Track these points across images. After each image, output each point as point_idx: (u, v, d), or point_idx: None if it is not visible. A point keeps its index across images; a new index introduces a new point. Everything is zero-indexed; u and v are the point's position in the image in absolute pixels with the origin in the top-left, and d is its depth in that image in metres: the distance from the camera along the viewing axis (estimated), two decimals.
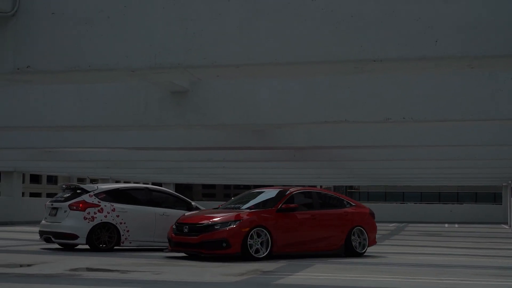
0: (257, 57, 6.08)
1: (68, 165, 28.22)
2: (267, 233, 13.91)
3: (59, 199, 16.46)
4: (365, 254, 15.49)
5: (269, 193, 15.52)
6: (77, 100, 10.96)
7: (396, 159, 19.79)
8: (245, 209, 14.63)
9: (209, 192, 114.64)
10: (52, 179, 74.93)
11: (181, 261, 13.30)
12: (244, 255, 13.61)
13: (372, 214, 16.21)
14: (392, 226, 35.36)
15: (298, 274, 11.65)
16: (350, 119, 10.25)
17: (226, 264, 12.89)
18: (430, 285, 10.35)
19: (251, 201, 15.28)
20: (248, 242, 13.60)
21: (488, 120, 10.17)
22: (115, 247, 15.89)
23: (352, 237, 15.33)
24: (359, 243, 15.43)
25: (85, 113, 11.04)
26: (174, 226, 14.50)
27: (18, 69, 6.46)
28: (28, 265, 12.21)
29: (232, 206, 15.26)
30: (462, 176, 31.62)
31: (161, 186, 44.43)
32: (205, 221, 14.01)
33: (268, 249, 13.86)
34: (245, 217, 13.98)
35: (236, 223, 13.78)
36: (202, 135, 14.94)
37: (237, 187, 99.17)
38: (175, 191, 46.54)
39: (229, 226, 13.75)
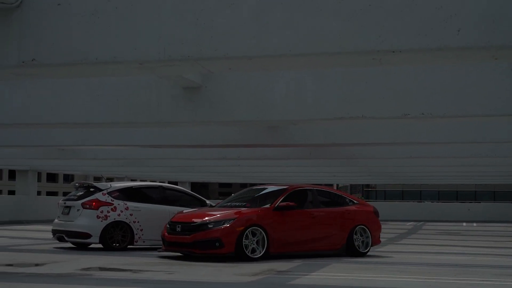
0: (270, 48, 5.84)
1: (83, 164, 28.10)
2: (263, 232, 13.47)
3: (72, 197, 16.28)
4: (373, 254, 15.14)
5: (268, 191, 15.19)
6: (88, 96, 10.78)
7: (414, 156, 19.45)
8: (242, 207, 14.22)
9: (226, 190, 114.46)
10: (68, 178, 75.10)
11: (195, 261, 13.06)
12: (238, 255, 13.18)
13: (376, 213, 15.81)
14: (409, 225, 35.00)
15: (314, 274, 11.38)
16: (367, 114, 9.98)
17: (240, 264, 12.65)
18: (449, 285, 10.05)
19: (248, 199, 14.90)
20: (244, 242, 13.18)
21: (509, 116, 9.85)
22: (128, 246, 15.69)
23: (355, 236, 14.89)
24: (362, 242, 14.99)
25: (97, 110, 10.84)
26: (167, 225, 14.20)
27: (23, 62, 6.25)
28: (40, 265, 12.01)
29: (229, 204, 14.83)
30: (481, 174, 31.21)
31: (177, 185, 44.38)
32: (198, 220, 13.63)
33: (264, 249, 13.44)
34: (239, 215, 13.54)
35: (230, 222, 13.34)
36: (216, 132, 14.71)
37: (254, 185, 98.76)
38: (191, 190, 46.73)
39: (222, 225, 13.32)
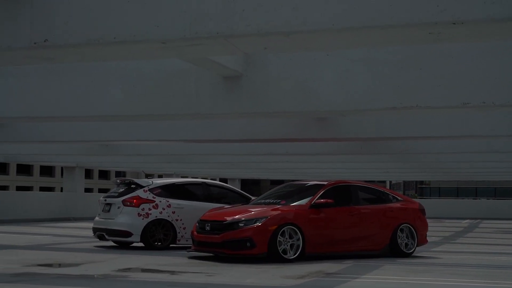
0: (311, 22, 5.05)
1: (128, 160, 27.61)
2: (298, 232, 12.64)
3: (113, 194, 15.73)
4: (422, 255, 14.26)
5: (304, 187, 14.32)
6: (123, 87, 10.09)
7: (472, 151, 18.39)
8: (276, 204, 13.32)
9: None
10: (120, 175, 75.28)
11: (237, 263, 12.32)
12: (272, 256, 12.33)
13: (422, 210, 14.82)
14: (465, 223, 33.82)
15: (365, 276, 10.58)
16: (422, 104, 9.07)
17: (285, 265, 11.90)
18: None
19: (284, 196, 14.01)
20: (277, 242, 12.33)
21: None
22: (170, 245, 15.06)
23: (399, 236, 14.00)
24: (407, 242, 14.10)
25: (133, 102, 10.15)
26: (196, 224, 13.45)
27: (34, 43, 5.58)
28: (75, 265, 11.44)
29: (263, 201, 13.96)
30: None
31: (227, 182, 43.81)
32: (228, 218, 12.83)
33: (300, 249, 12.59)
34: (273, 213, 12.69)
35: (263, 220, 12.49)
36: (260, 125, 13.90)
37: (294, 182, 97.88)
38: (241, 187, 46.11)
39: (254, 223, 12.48)
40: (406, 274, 10.80)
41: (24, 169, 71.36)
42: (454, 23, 4.78)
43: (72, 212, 30.12)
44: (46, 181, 73.02)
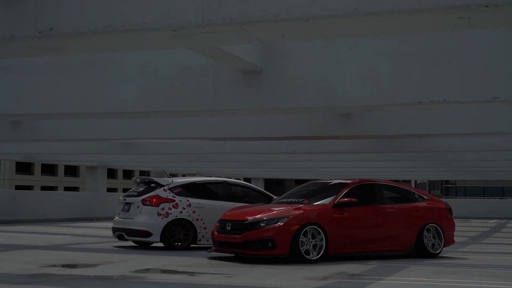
0: (331, 7, 4.70)
1: (150, 159, 27.36)
2: (321, 232, 12.24)
3: (132, 193, 15.45)
4: (448, 255, 13.83)
5: (328, 186, 13.91)
6: (139, 83, 9.77)
7: (500, 149, 17.88)
8: (299, 203, 12.93)
9: None
10: (144, 174, 75.18)
11: (258, 263, 11.98)
12: (294, 257, 11.96)
13: (449, 209, 14.36)
14: (492, 222, 33.23)
15: (390, 278, 10.20)
16: (449, 98, 8.65)
17: (308, 266, 11.55)
18: None
19: (306, 195, 13.61)
20: (299, 242, 11.97)
21: None
22: (191, 245, 14.75)
23: (425, 236, 13.57)
24: (434, 242, 13.66)
25: (148, 98, 9.83)
26: (217, 223, 13.11)
27: (39, 32, 5.27)
28: (92, 266, 11.17)
29: (285, 200, 13.57)
30: None
31: (250, 182, 43.49)
32: (250, 218, 12.46)
33: (323, 250, 12.21)
34: (295, 213, 12.31)
35: (285, 219, 12.12)
36: (283, 123, 13.52)
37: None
38: (265, 187, 45.75)
39: (276, 223, 12.11)
40: (432, 276, 10.41)
41: (49, 169, 71.49)
42: (487, 6, 4.41)
43: (94, 212, 29.95)
44: (71, 181, 73.13)
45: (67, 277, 9.75)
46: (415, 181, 78.81)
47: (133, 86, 9.81)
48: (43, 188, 68.40)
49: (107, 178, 34.40)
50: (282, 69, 9.13)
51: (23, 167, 68.11)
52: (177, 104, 9.77)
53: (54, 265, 11.09)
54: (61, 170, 73.27)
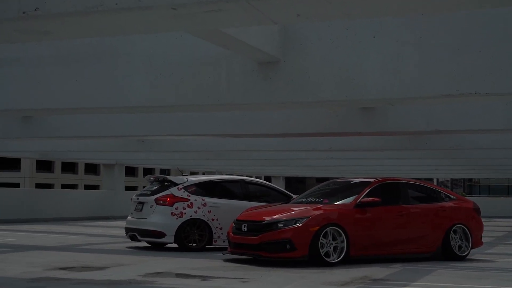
0: None
1: (168, 157, 26.78)
2: (342, 233, 11.62)
3: (146, 192, 14.90)
4: (476, 258, 13.15)
5: (349, 185, 13.27)
6: (150, 76, 9.19)
7: None
8: (318, 203, 12.30)
9: None
10: (165, 173, 74.78)
11: (275, 266, 11.37)
12: (313, 259, 11.35)
13: (477, 210, 13.67)
14: None
15: (416, 283, 9.56)
16: (480, 90, 7.97)
17: (328, 269, 10.92)
18: None
19: (327, 194, 12.99)
20: (319, 244, 11.36)
21: None
22: (206, 246, 14.16)
23: (452, 237, 12.90)
24: (461, 244, 13.00)
25: (159, 92, 9.24)
26: (233, 224, 12.51)
27: (24, 12, 4.69)
28: (101, 268, 10.62)
29: (304, 200, 12.93)
30: None
31: (270, 180, 42.89)
32: (267, 218, 11.85)
33: (344, 252, 11.60)
34: (315, 213, 11.69)
35: (304, 220, 11.49)
36: (302, 119, 12.89)
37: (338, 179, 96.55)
38: (285, 185, 45.11)
39: (294, 224, 11.49)
40: (461, 281, 9.77)
41: (69, 167, 71.29)
42: None
43: (111, 211, 29.46)
44: (91, 179, 72.97)
45: (71, 281, 9.20)
46: (437, 180, 77.87)
47: (143, 80, 9.23)
48: (63, 186, 68.26)
49: (127, 176, 33.84)
50: (301, 59, 8.50)
51: (44, 165, 67.99)
52: (190, 99, 9.16)
53: (60, 268, 10.55)
54: (81, 168, 73.12)
